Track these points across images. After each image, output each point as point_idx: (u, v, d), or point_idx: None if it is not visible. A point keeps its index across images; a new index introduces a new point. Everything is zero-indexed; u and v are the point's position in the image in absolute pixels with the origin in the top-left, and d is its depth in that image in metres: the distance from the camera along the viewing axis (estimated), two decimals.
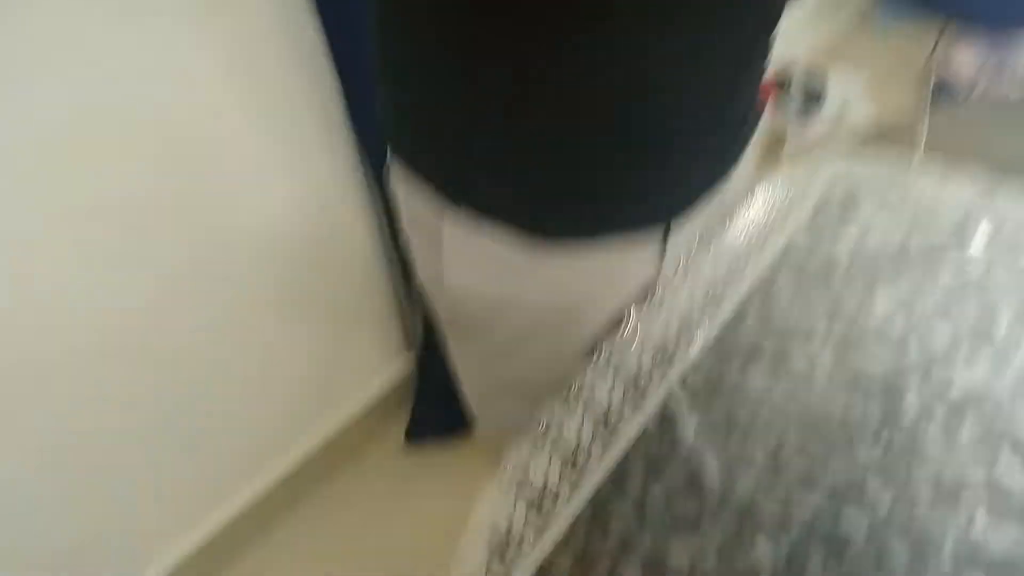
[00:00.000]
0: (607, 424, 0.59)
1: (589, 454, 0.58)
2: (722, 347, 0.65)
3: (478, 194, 0.61)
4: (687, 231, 0.70)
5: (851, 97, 1.68)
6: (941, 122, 0.92)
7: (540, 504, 0.54)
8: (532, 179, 0.60)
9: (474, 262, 0.65)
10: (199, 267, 1.14)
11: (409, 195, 0.68)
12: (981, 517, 0.49)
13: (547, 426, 0.60)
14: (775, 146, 1.57)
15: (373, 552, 1.34)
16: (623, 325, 0.67)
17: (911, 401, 0.58)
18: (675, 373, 0.63)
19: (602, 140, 0.58)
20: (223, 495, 1.36)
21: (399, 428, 1.57)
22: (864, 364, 0.62)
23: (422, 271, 0.70)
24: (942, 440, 0.55)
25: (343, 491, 1.47)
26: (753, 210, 0.78)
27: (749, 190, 0.80)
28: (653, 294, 0.69)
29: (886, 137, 0.85)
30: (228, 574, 1.36)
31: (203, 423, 1.26)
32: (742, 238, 0.75)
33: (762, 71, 0.66)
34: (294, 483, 1.45)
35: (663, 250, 0.69)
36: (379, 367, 1.59)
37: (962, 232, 0.74)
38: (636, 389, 0.62)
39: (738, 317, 0.68)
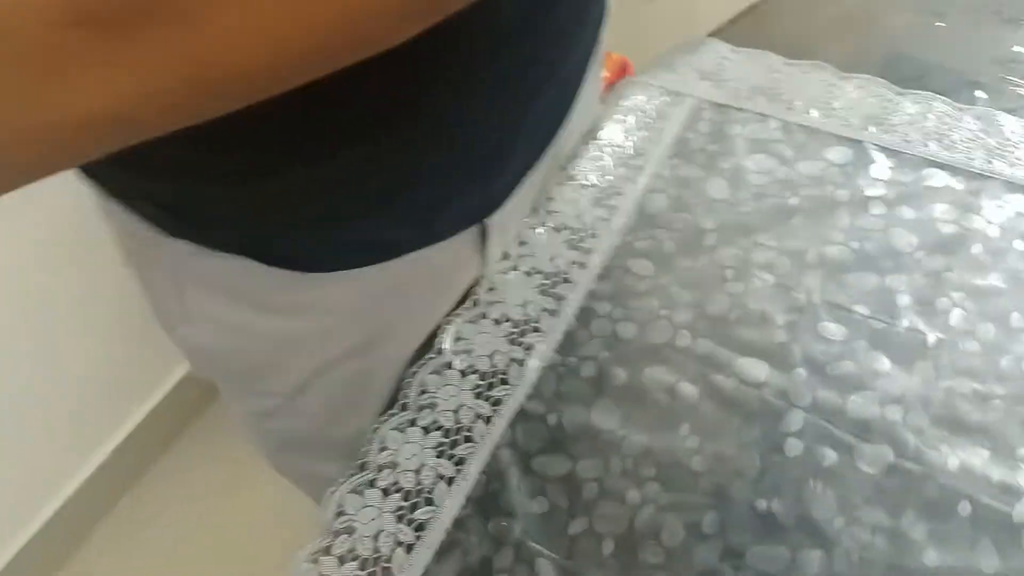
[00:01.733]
0: (412, 507, 0.45)
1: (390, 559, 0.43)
2: (561, 377, 0.50)
3: (210, 220, 0.41)
4: (515, 207, 0.53)
5: None
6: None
7: None
8: (283, 201, 0.41)
9: (217, 307, 0.46)
10: None
11: (110, 218, 0.47)
12: None
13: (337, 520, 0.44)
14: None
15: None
16: (430, 355, 0.51)
17: (794, 446, 0.45)
18: (500, 424, 0.48)
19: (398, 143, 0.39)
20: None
21: None
22: (737, 399, 0.48)
23: (159, 318, 0.50)
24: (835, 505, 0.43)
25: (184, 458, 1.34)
26: (593, 161, 0.61)
27: (586, 129, 0.62)
28: (473, 304, 0.53)
29: (741, 29, 0.68)
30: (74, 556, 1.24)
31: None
32: (582, 202, 0.58)
33: None
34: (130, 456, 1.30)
35: (483, 244, 0.52)
36: None
37: (854, 171, 0.59)
38: (450, 454, 0.47)
39: (581, 323, 0.52)
